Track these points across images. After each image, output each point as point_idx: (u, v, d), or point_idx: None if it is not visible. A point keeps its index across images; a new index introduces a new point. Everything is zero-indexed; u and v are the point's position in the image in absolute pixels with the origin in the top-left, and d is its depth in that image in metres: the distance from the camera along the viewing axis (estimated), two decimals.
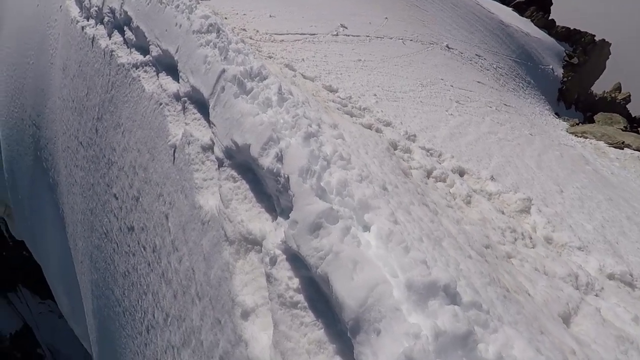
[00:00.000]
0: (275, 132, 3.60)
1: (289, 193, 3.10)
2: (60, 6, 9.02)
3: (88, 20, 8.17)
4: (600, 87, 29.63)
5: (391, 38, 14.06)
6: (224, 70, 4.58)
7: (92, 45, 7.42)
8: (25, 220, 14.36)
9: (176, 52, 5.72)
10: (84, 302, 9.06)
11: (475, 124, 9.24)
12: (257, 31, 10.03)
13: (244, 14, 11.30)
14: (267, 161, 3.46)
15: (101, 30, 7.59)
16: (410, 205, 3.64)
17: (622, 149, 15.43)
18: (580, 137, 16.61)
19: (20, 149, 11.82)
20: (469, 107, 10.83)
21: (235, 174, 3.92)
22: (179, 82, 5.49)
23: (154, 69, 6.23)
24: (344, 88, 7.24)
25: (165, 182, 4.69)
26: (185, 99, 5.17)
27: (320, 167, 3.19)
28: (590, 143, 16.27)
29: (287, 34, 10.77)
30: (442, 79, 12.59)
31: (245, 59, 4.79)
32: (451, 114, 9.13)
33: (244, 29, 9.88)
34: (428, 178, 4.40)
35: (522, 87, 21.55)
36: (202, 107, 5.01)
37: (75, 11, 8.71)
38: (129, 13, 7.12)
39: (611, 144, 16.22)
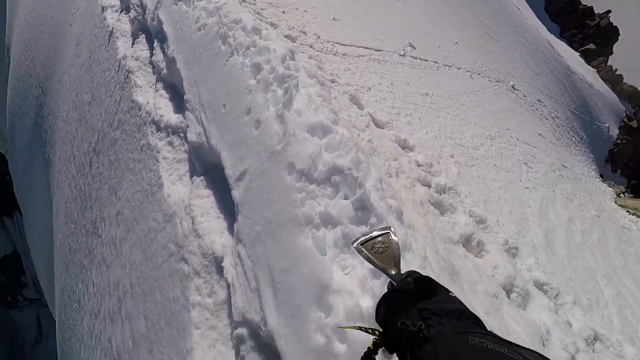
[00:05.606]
0: None
1: None
2: None
3: None
4: None
5: (459, 68, 12.44)
6: None
7: (109, 42, 4.94)
8: (18, 178, 13.09)
9: (240, 177, 2.63)
10: (54, 312, 7.72)
11: (551, 203, 7.99)
12: (318, 37, 8.47)
13: (305, 11, 9.72)
14: None
15: (124, 23, 5.08)
16: None
17: None
18: (633, 214, 15.79)
19: (23, 106, 10.40)
20: (537, 173, 9.69)
21: None
22: (230, 234, 2.60)
23: (184, 148, 3.42)
24: (419, 143, 5.76)
25: None
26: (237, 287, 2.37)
27: None
28: None
29: (351, 45, 9.19)
30: (508, 129, 11.27)
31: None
32: (526, 187, 7.89)
33: (304, 32, 8.32)
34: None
35: (575, 143, 19.99)
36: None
37: None
38: (164, 28, 4.32)
39: None
